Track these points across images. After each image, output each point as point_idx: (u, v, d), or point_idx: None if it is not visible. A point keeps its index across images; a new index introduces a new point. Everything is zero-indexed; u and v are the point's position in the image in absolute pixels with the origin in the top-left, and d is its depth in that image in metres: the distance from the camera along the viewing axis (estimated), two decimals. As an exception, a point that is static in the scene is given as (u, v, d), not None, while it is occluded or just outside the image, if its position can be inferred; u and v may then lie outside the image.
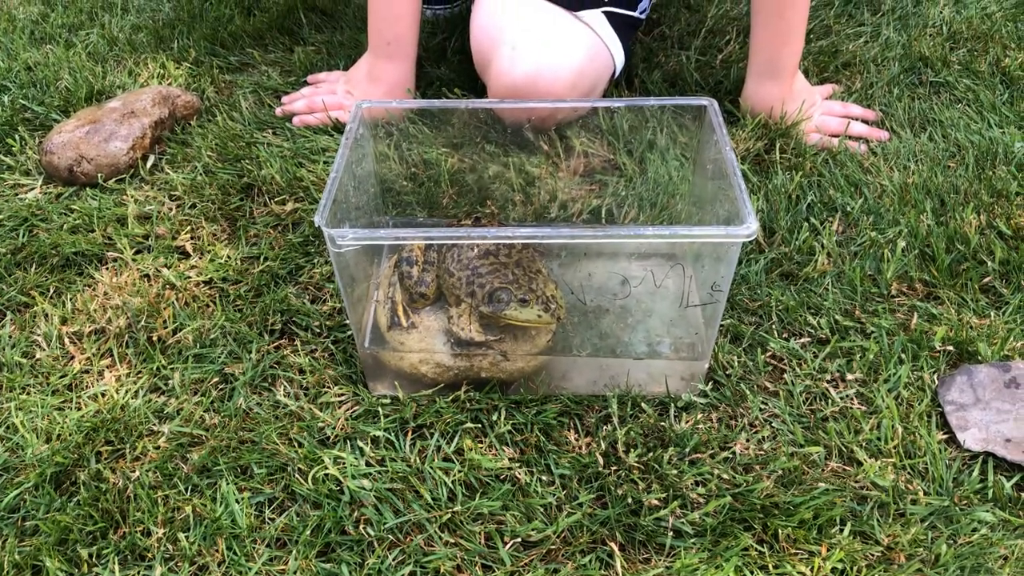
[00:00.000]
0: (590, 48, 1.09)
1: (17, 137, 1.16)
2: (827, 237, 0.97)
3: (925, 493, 0.72)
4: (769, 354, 0.84)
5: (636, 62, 1.32)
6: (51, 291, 0.93)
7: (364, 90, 1.19)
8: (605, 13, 1.11)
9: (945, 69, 1.28)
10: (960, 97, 1.22)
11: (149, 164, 1.11)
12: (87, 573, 0.68)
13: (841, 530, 0.69)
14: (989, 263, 0.93)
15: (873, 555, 0.68)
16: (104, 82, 1.28)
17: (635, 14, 1.17)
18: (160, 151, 1.15)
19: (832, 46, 1.35)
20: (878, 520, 0.70)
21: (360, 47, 1.32)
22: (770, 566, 0.67)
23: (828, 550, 0.67)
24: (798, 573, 0.66)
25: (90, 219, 1.02)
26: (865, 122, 1.17)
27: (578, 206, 1.02)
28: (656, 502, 0.71)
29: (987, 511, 0.70)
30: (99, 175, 1.08)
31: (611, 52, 1.13)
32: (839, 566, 0.67)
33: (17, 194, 1.09)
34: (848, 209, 1.01)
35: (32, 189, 1.09)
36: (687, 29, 1.41)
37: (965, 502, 0.71)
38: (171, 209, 1.04)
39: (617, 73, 1.17)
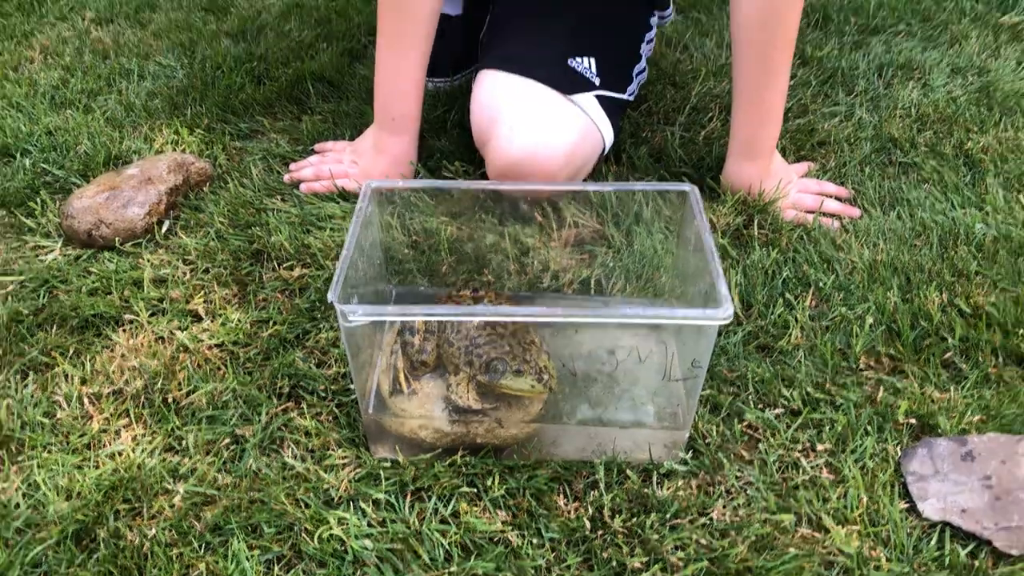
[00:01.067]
0: (582, 129, 1.15)
1: (39, 200, 1.21)
2: (801, 312, 1.02)
3: (887, 560, 0.76)
4: (745, 424, 0.89)
5: (624, 137, 1.38)
6: (71, 352, 0.98)
7: (370, 160, 1.25)
8: (596, 96, 1.17)
9: (913, 150, 1.34)
10: (927, 177, 1.29)
11: (164, 229, 1.16)
12: (105, 627, 0.71)
13: (809, 594, 0.74)
14: (950, 339, 0.98)
15: (839, 619, 0.72)
16: (121, 147, 1.33)
17: (624, 96, 1.23)
18: (175, 216, 1.20)
19: (808, 125, 1.42)
20: (844, 585, 0.74)
21: (365, 118, 1.38)
22: (744, 628, 0.71)
23: (798, 613, 0.72)
24: (770, 635, 0.71)
25: (108, 282, 1.07)
26: (838, 199, 1.24)
27: (569, 276, 1.07)
28: (639, 565, 0.75)
29: (945, 578, 0.75)
30: (116, 239, 1.13)
31: (601, 132, 1.19)
32: (808, 629, 0.71)
33: (38, 255, 1.13)
34: (821, 285, 1.06)
35: (52, 251, 1.14)
36: (672, 105, 1.48)
37: (924, 569, 0.75)
38: (185, 273, 1.09)
39: (606, 150, 1.23)
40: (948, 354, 0.97)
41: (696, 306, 0.78)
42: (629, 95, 1.25)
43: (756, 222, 1.17)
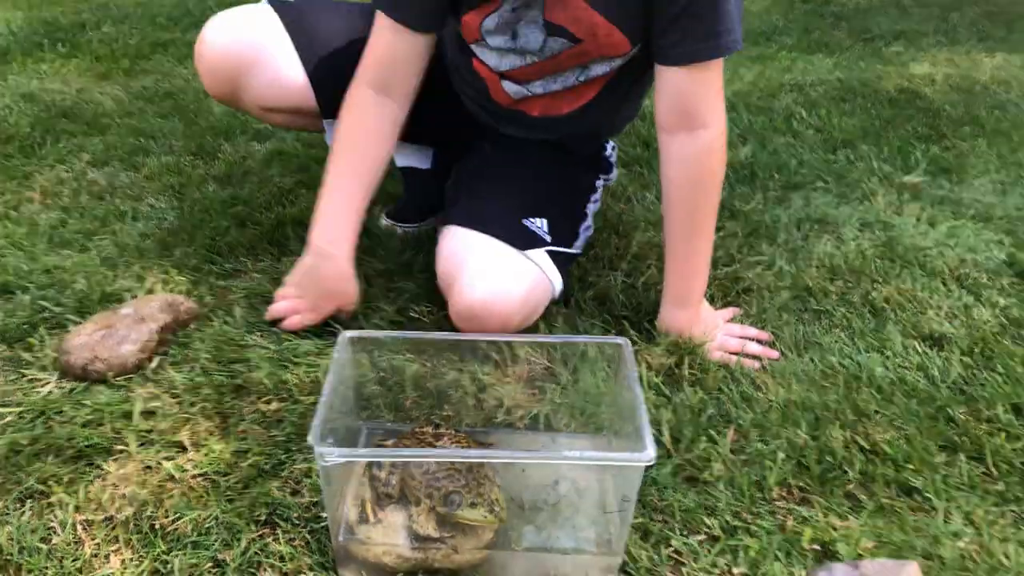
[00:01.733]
0: (534, 280, 1.28)
1: (37, 336, 1.31)
2: (723, 446, 1.14)
3: (792, 673, 0.86)
4: (672, 549, 0.99)
5: (573, 281, 1.52)
6: (66, 480, 1.06)
7: (314, 292, 1.34)
8: (548, 251, 1.31)
9: (825, 299, 1.50)
10: (837, 323, 1.44)
11: (154, 365, 1.26)
12: None
13: None
14: (851, 473, 1.10)
15: None
16: (115, 285, 1.44)
17: (572, 251, 1.38)
18: (163, 351, 1.30)
19: (735, 273, 1.57)
20: None
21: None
22: None
23: None
24: None
25: (100, 414, 1.16)
26: (760, 342, 1.38)
27: (521, 412, 1.18)
28: None
29: None
30: (109, 373, 1.23)
31: (551, 281, 1.33)
32: None
33: (34, 387, 1.22)
34: (740, 422, 1.19)
35: (48, 384, 1.23)
36: (616, 253, 1.63)
37: None
38: (172, 406, 1.18)
39: (556, 296, 1.37)
40: (849, 486, 1.09)
41: (632, 442, 0.90)
42: (576, 249, 1.40)
43: (686, 363, 1.30)
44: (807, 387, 1.26)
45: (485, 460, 0.92)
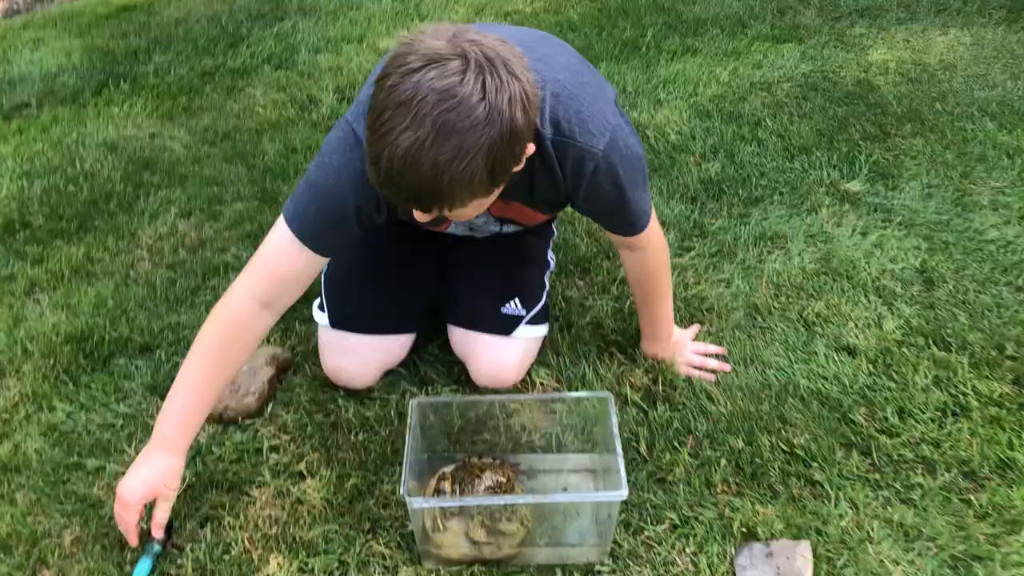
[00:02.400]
0: (522, 348, 1.72)
1: (180, 389, 1.76)
2: (683, 453, 1.59)
3: (720, 620, 1.33)
4: (644, 535, 1.45)
5: (573, 307, 1.94)
6: (228, 506, 1.52)
7: (154, 477, 1.39)
8: (527, 322, 1.73)
9: (769, 316, 1.92)
10: (776, 338, 1.86)
11: (269, 409, 1.71)
12: None
13: (675, 643, 1.30)
14: (773, 471, 1.55)
15: (689, 657, 1.28)
16: (225, 338, 1.87)
17: (543, 303, 1.78)
18: (273, 396, 1.74)
19: (700, 293, 1.99)
20: (694, 637, 1.31)
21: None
22: (639, 664, 1.27)
23: (668, 654, 1.28)
24: (652, 668, 1.27)
25: (240, 452, 1.62)
26: (718, 357, 1.81)
27: (538, 434, 1.62)
28: (581, 631, 1.31)
29: (751, 629, 1.31)
30: (239, 417, 1.68)
31: (535, 337, 1.75)
32: (673, 663, 1.27)
33: (186, 430, 1.68)
34: (697, 433, 1.63)
35: (195, 427, 1.68)
36: (608, 277, 2.04)
37: (740, 625, 1.32)
38: (288, 443, 1.64)
39: (545, 334, 1.79)
40: (772, 481, 1.54)
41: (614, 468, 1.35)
42: (545, 298, 1.79)
43: (660, 381, 1.74)
44: (748, 399, 1.70)
45: (516, 502, 1.38)
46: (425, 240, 1.75)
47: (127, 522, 1.36)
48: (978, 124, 2.63)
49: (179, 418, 1.40)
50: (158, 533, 1.40)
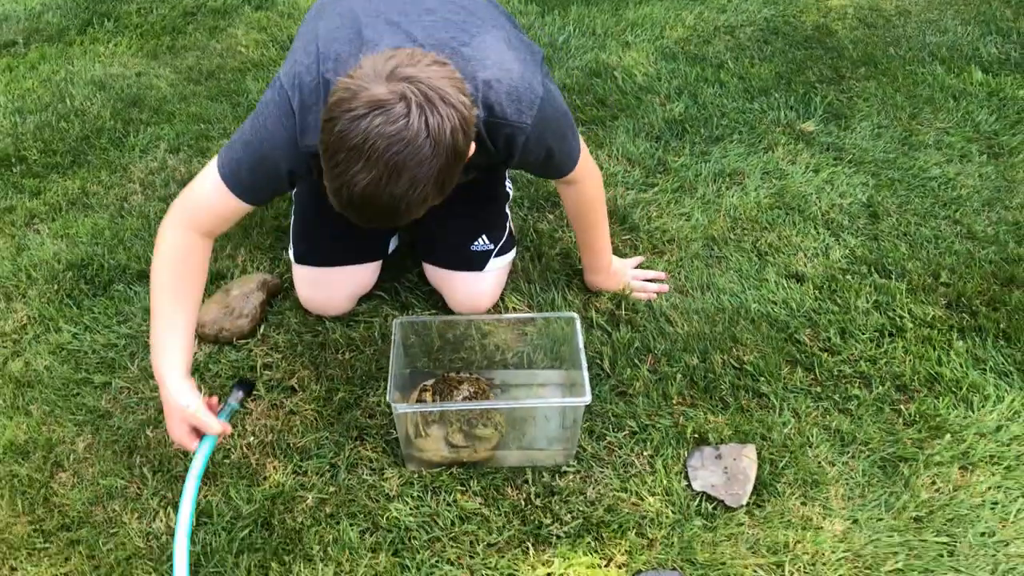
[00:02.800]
0: (493, 279, 1.81)
1: (177, 312, 1.85)
2: (643, 369, 1.71)
3: (672, 512, 1.46)
4: (606, 441, 1.58)
5: (543, 239, 2.05)
6: (226, 417, 1.63)
7: (178, 416, 1.35)
8: (495, 255, 1.81)
9: (725, 247, 2.03)
10: (731, 267, 1.98)
11: (261, 331, 1.81)
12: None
13: (628, 533, 1.43)
14: (724, 385, 1.68)
15: (644, 544, 1.42)
16: (218, 266, 1.96)
17: (508, 233, 1.86)
18: (264, 319, 1.84)
19: (663, 226, 2.10)
20: (649, 526, 1.44)
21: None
22: (600, 551, 1.41)
23: (627, 545, 1.42)
24: (617, 554, 1.40)
25: (236, 369, 1.72)
26: (660, 280, 1.92)
27: (511, 352, 1.74)
28: (548, 522, 1.44)
29: (699, 521, 1.45)
30: (233, 338, 1.78)
31: (504, 264, 1.84)
32: (625, 557, 1.41)
33: (184, 350, 1.77)
34: (656, 351, 1.75)
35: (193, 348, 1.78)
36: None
37: (689, 514, 1.46)
38: (279, 361, 1.74)
39: (513, 257, 1.88)
40: (723, 394, 1.67)
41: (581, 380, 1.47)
42: (509, 227, 1.87)
43: (623, 306, 1.86)
44: (703, 322, 1.82)
45: (491, 407, 1.50)
46: None
47: (188, 447, 1.36)
48: (928, 68, 2.73)
49: (166, 355, 1.39)
50: (221, 430, 1.36)
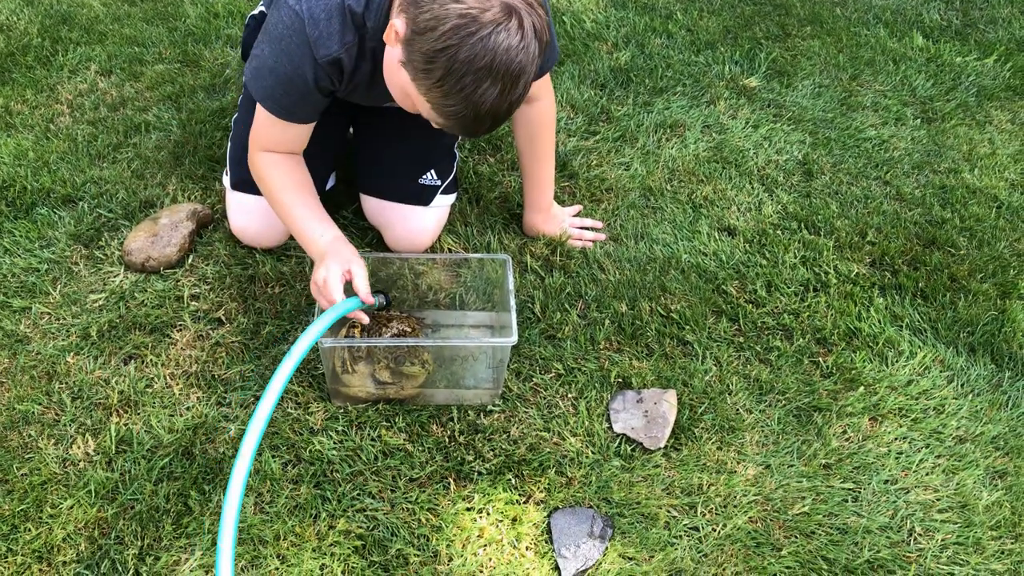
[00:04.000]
0: (437, 217, 1.79)
1: (104, 239, 1.80)
2: (572, 315, 1.73)
3: (592, 453, 1.49)
4: (533, 382, 1.60)
5: (484, 182, 2.04)
6: (150, 346, 1.60)
7: (340, 261, 1.45)
8: (441, 192, 1.81)
9: (662, 197, 2.05)
10: (666, 218, 2.00)
11: (190, 260, 1.77)
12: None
13: (548, 471, 1.46)
14: (650, 332, 1.71)
15: (562, 483, 1.45)
16: (146, 194, 1.91)
17: (454, 174, 1.85)
18: (193, 249, 1.80)
19: (602, 175, 2.10)
20: (568, 465, 1.47)
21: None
22: (520, 488, 1.44)
23: (546, 483, 1.44)
24: (536, 491, 1.43)
25: (162, 298, 1.69)
26: (595, 229, 1.93)
27: (443, 293, 1.74)
28: (471, 459, 1.46)
29: (617, 462, 1.48)
30: (160, 267, 1.74)
31: (448, 203, 1.83)
32: (543, 495, 1.44)
33: (110, 278, 1.73)
34: (587, 297, 1.77)
35: (118, 276, 1.74)
36: (517, 155, 2.13)
37: (609, 455, 1.49)
38: (207, 292, 1.71)
39: (454, 201, 1.87)
40: (648, 341, 1.70)
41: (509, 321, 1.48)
42: (455, 169, 1.86)
43: (558, 252, 1.86)
44: (634, 270, 1.84)
45: (419, 344, 1.50)
46: (330, 107, 1.79)
47: (335, 293, 1.42)
48: (872, 31, 2.76)
49: (315, 220, 1.51)
50: (368, 299, 1.43)
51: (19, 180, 1.91)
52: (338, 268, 1.43)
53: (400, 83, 1.31)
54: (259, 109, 1.52)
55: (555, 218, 1.90)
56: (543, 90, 1.68)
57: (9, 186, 1.90)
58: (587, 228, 1.93)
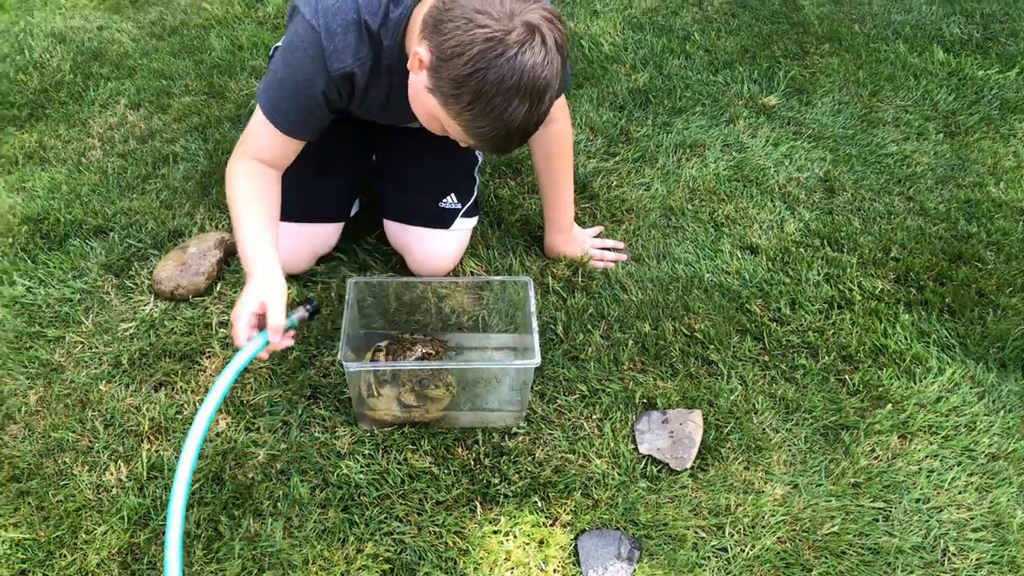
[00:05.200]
0: (458, 240, 1.81)
1: (134, 268, 1.83)
2: (596, 335, 1.73)
3: (618, 474, 1.49)
4: (556, 404, 1.60)
5: (504, 206, 2.05)
6: (180, 373, 1.62)
7: (254, 292, 1.39)
8: (462, 215, 1.81)
9: (683, 217, 2.05)
10: (688, 237, 1.99)
11: (217, 288, 1.80)
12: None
13: (574, 493, 1.46)
14: (674, 352, 1.70)
15: (589, 505, 1.45)
16: (175, 223, 1.94)
17: (474, 197, 1.86)
18: (221, 277, 1.82)
19: (622, 195, 2.11)
20: (595, 487, 1.47)
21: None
22: (546, 511, 1.43)
23: (573, 505, 1.44)
24: (562, 513, 1.43)
25: (191, 325, 1.71)
26: (617, 250, 1.93)
27: (466, 316, 1.74)
28: (496, 481, 1.46)
29: (644, 483, 1.48)
30: (189, 295, 1.76)
31: (470, 227, 1.84)
32: (570, 517, 1.43)
33: (140, 307, 1.76)
34: (609, 318, 1.77)
35: (148, 304, 1.76)
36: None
37: (635, 477, 1.48)
38: (236, 319, 1.73)
39: (475, 224, 1.88)
40: (673, 361, 1.69)
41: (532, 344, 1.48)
42: (476, 192, 1.87)
43: (579, 273, 1.87)
44: (657, 290, 1.84)
45: (442, 367, 1.51)
46: (347, 131, 1.80)
47: (239, 337, 1.37)
48: (891, 46, 2.75)
49: (257, 245, 1.45)
50: (275, 336, 1.36)
51: (53, 212, 1.95)
52: (251, 301, 1.37)
53: (427, 108, 1.32)
54: (258, 117, 1.51)
55: (576, 239, 1.90)
56: (559, 112, 1.69)
57: (43, 219, 1.94)
58: (608, 248, 1.93)
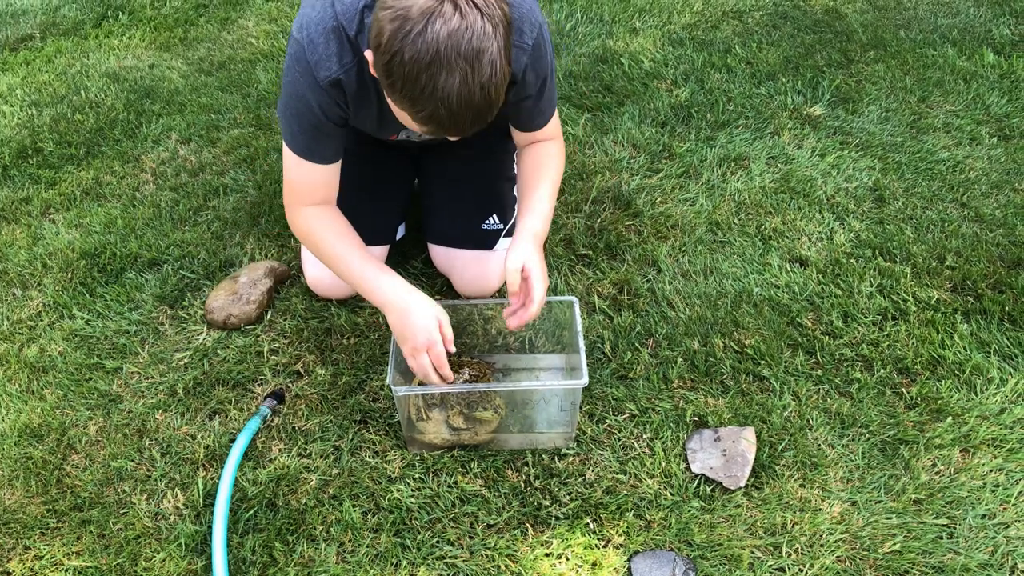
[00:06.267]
0: (501, 259, 1.77)
1: (187, 299, 1.87)
2: (644, 353, 1.71)
3: (671, 494, 1.47)
4: (606, 424, 1.59)
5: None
6: (234, 401, 1.65)
7: (429, 320, 1.45)
8: (505, 235, 1.81)
9: (729, 231, 2.03)
10: (735, 252, 1.97)
11: (268, 316, 1.83)
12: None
13: (626, 514, 1.44)
14: (724, 368, 1.68)
15: (641, 526, 1.43)
16: (226, 254, 1.98)
17: (514, 219, 1.84)
18: (272, 305, 1.86)
19: (667, 211, 2.09)
20: (647, 507, 1.45)
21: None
22: (598, 532, 1.42)
23: (625, 526, 1.42)
24: (615, 535, 1.41)
25: (243, 354, 1.74)
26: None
27: (513, 337, 1.74)
28: (547, 503, 1.45)
29: (697, 503, 1.46)
30: (241, 324, 1.80)
31: None
32: (623, 538, 1.42)
33: (194, 336, 1.79)
34: (657, 335, 1.75)
35: (201, 333, 1.80)
36: (580, 197, 2.14)
37: (688, 496, 1.46)
38: (286, 346, 1.76)
39: None
40: (723, 377, 1.67)
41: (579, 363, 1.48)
42: (515, 217, 1.86)
43: (625, 291, 1.86)
44: (705, 306, 1.82)
45: (490, 388, 1.51)
46: (389, 155, 1.82)
47: (440, 356, 1.44)
48: (939, 51, 2.70)
49: (373, 267, 1.52)
50: (451, 347, 1.46)
51: (109, 247, 2.00)
52: (430, 325, 1.43)
53: (393, 109, 1.30)
54: (286, 155, 1.53)
55: (513, 259, 1.49)
56: (552, 130, 1.65)
57: (100, 253, 1.99)
58: (522, 305, 1.51)
